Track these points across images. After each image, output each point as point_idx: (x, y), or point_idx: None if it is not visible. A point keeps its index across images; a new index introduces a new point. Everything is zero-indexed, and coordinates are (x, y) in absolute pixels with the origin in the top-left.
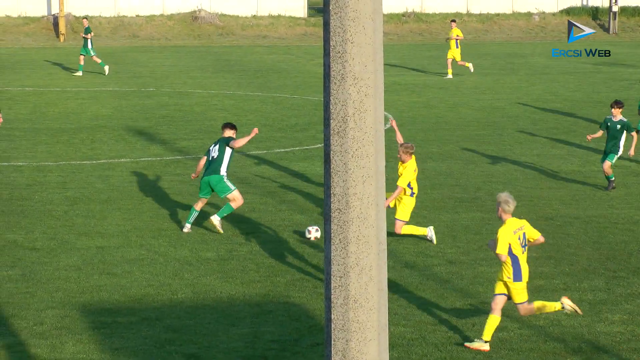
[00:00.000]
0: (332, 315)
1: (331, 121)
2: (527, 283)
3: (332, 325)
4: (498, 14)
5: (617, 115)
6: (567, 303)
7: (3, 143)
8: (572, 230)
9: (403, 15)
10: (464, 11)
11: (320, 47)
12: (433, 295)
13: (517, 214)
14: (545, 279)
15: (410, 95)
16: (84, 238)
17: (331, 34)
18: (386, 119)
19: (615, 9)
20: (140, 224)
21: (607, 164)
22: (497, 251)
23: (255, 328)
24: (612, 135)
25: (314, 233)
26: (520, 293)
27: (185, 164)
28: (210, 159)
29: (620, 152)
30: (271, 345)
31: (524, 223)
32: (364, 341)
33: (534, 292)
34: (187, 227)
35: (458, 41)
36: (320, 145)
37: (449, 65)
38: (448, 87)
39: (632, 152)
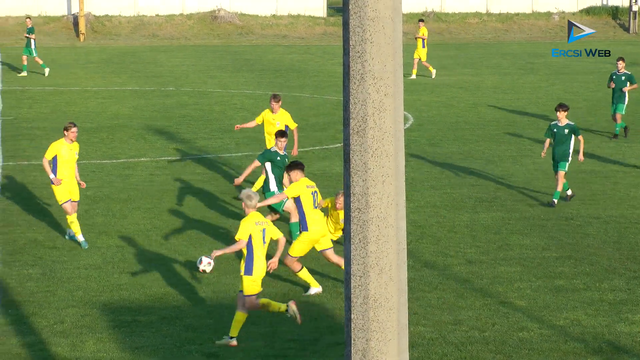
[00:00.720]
0: (352, 314)
1: (351, 120)
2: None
3: (352, 325)
4: (518, 14)
5: (563, 119)
6: (292, 308)
7: (24, 142)
8: (592, 230)
9: (422, 15)
10: (483, 11)
11: (340, 46)
12: (453, 294)
13: (537, 213)
14: (565, 279)
15: (430, 94)
16: (104, 237)
17: (351, 33)
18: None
19: (635, 8)
20: (160, 223)
21: (561, 174)
22: (237, 236)
23: (275, 327)
24: (560, 141)
25: (204, 265)
26: (249, 286)
27: (205, 163)
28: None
29: (570, 159)
30: (290, 345)
31: (267, 221)
32: (384, 341)
33: (554, 292)
34: None
35: (425, 41)
36: (339, 144)
37: (415, 65)
38: (468, 87)
39: (581, 157)
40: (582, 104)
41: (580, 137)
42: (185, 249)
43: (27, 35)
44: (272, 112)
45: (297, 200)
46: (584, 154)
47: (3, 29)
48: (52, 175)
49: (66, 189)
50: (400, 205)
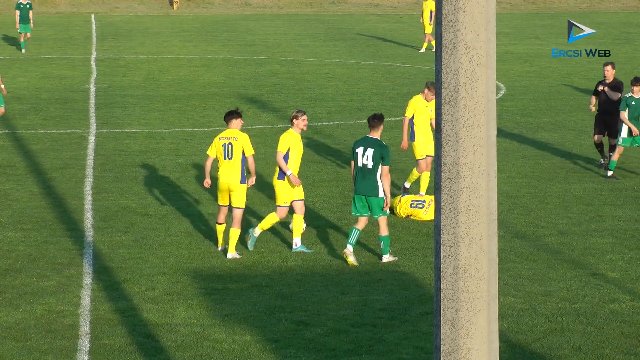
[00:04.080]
0: (441, 284)
1: (442, 90)
2: None
3: (442, 295)
4: None
5: (637, 93)
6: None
7: (117, 110)
8: None
9: None
10: None
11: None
12: (543, 265)
13: (630, 184)
14: None
15: (523, 64)
16: (196, 205)
17: (444, 2)
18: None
19: None
20: (251, 192)
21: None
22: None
23: (365, 296)
24: (634, 115)
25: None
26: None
27: None
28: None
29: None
30: (380, 314)
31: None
32: (474, 311)
33: None
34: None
35: (432, 13)
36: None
37: (427, 40)
38: (561, 57)
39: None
40: None
41: None
42: None
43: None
44: (428, 100)
45: None
46: None
47: None
48: (289, 172)
49: (291, 190)
50: (491, 175)
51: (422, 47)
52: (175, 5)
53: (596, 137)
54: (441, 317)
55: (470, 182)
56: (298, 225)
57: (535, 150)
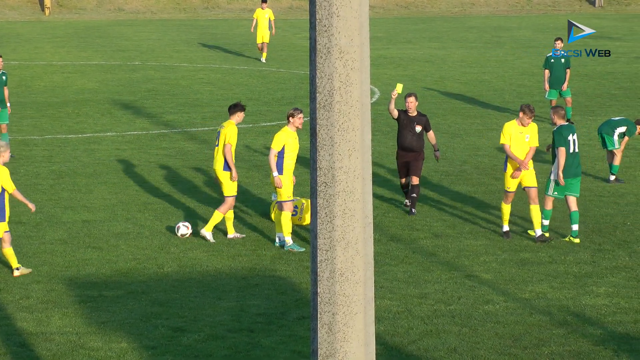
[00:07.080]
0: (318, 288)
1: (317, 95)
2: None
3: (318, 299)
4: None
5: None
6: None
7: None
8: (557, 203)
9: None
10: None
11: (307, 20)
12: (419, 268)
13: (503, 187)
14: (531, 252)
15: (396, 68)
16: (70, 212)
17: (317, 7)
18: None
19: None
20: (126, 198)
21: None
22: None
23: (242, 301)
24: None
25: (182, 230)
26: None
27: (171, 137)
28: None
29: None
30: (257, 319)
31: None
32: (350, 314)
33: (520, 265)
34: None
35: (272, 22)
36: (306, 118)
37: (264, 49)
38: (434, 61)
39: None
40: None
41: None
42: (151, 224)
43: None
44: (524, 124)
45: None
46: None
47: None
48: (275, 173)
49: (291, 185)
50: (366, 179)
51: (262, 57)
52: (47, 11)
53: (404, 180)
54: (318, 321)
55: (345, 186)
56: (287, 223)
57: None
